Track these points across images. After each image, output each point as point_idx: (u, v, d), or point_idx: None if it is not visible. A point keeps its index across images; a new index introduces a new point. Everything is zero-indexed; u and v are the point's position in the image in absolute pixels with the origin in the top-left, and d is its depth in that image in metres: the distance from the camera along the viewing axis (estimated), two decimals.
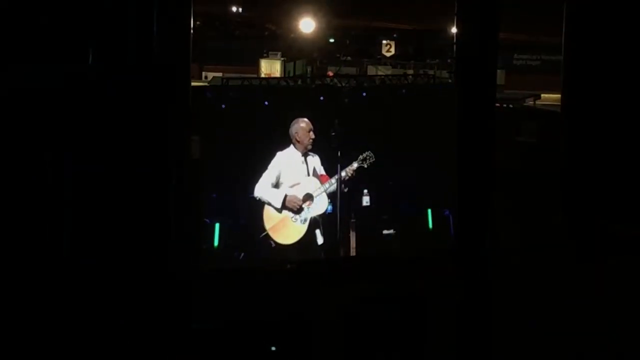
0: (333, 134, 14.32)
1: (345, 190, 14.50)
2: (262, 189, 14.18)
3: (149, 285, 12.91)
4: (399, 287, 14.23)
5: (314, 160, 14.55)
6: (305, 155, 14.44)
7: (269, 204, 14.25)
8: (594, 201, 15.23)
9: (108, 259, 12.73)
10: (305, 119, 14.32)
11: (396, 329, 14.20)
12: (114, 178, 12.74)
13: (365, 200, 14.74)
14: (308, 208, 14.42)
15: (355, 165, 14.45)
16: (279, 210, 14.31)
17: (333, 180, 14.48)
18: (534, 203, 15.66)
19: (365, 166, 14.49)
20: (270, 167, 14.21)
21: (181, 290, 13.17)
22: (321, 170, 14.59)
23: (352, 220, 14.55)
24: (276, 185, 14.27)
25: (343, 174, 14.46)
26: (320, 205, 14.48)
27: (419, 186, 14.79)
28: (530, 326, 14.26)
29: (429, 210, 14.90)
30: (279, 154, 14.24)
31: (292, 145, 14.31)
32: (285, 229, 14.33)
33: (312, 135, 14.31)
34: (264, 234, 14.25)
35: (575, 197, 15.27)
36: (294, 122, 14.21)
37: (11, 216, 12.37)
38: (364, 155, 14.45)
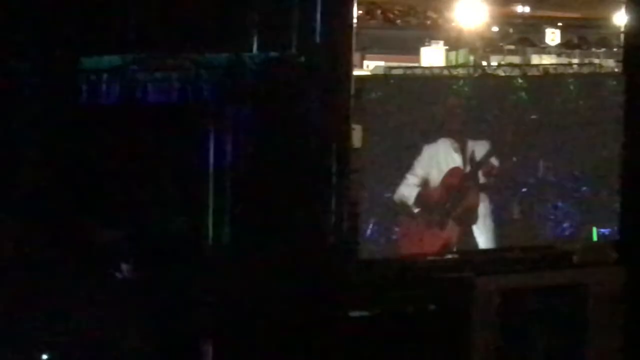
0: None
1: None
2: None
3: (307, 272, 13.04)
4: (558, 275, 14.08)
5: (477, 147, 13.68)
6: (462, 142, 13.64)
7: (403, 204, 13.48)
8: None
9: (266, 244, 12.95)
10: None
11: (556, 315, 14.08)
12: (276, 163, 12.93)
13: (516, 211, 13.94)
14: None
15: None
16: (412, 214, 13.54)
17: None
18: None
19: None
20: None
21: (339, 278, 13.26)
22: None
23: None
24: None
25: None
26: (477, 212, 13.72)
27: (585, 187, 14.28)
28: None
29: (594, 229, 14.42)
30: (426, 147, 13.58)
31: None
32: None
33: None
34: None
35: None
36: None
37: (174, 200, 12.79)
38: None
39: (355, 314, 13.37)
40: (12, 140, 12.39)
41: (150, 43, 12.74)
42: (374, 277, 13.53)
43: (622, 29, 14.18)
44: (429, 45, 23.20)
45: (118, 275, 12.88)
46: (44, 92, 12.44)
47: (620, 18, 14.32)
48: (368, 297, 13.42)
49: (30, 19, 12.26)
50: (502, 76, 14.18)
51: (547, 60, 22.10)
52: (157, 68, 12.80)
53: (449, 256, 14.04)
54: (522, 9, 26.97)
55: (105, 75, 12.66)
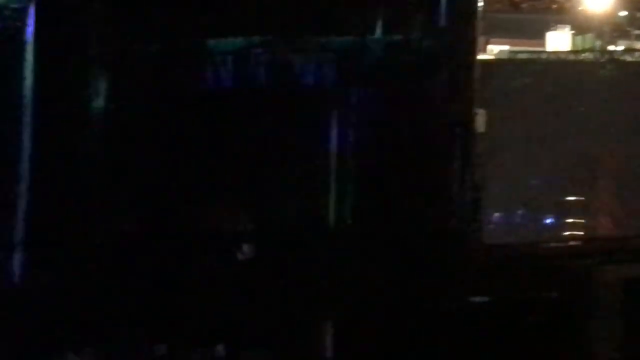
0: None
1: None
2: None
3: (428, 256, 13.05)
4: None
5: None
6: None
7: None
8: None
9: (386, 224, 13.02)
10: None
11: None
12: (399, 147, 12.96)
13: None
14: None
15: None
16: None
17: None
18: None
19: None
20: None
21: (460, 263, 13.23)
22: None
23: None
24: None
25: None
26: None
27: None
28: None
29: None
30: None
31: None
32: None
33: None
34: None
35: None
36: None
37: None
38: None
39: (475, 299, 13.33)
40: (135, 124, 12.63)
41: (274, 25, 12.84)
42: (496, 263, 13.46)
43: None
44: (555, 29, 22.90)
45: (240, 256, 13.05)
46: (167, 75, 12.66)
47: None
48: (489, 283, 13.35)
49: (153, 2, 12.47)
50: (629, 61, 13.92)
51: None
52: (280, 51, 12.90)
53: (572, 243, 13.88)
54: None
55: (228, 58, 12.81)
